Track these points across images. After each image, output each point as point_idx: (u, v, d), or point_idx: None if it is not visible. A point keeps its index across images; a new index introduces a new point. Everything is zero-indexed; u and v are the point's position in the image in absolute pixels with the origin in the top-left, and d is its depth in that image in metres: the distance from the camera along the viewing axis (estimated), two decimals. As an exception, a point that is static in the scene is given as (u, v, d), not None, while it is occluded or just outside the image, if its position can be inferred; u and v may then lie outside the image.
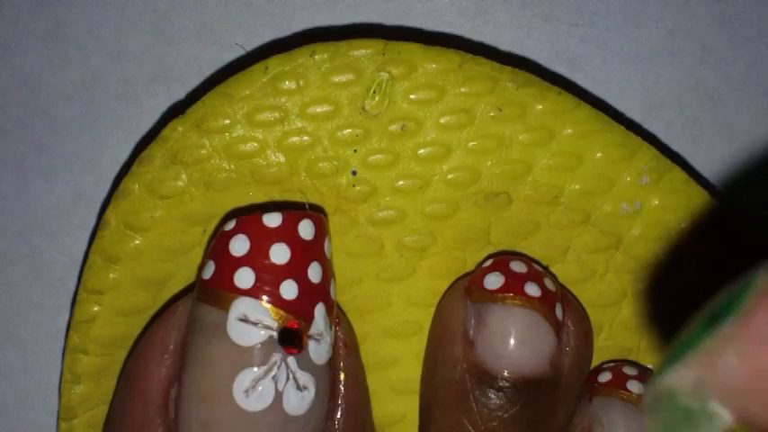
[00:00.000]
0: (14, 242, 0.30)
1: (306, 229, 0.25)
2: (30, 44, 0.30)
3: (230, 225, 0.25)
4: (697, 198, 0.28)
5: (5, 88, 0.30)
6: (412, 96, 0.27)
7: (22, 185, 0.30)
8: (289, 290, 0.25)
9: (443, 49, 0.27)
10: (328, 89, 0.27)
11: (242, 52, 0.30)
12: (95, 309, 0.27)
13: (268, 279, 0.24)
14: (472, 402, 0.26)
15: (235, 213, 0.27)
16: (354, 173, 0.27)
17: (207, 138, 0.27)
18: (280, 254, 0.25)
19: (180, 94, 0.30)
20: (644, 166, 0.27)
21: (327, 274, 0.25)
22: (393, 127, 0.27)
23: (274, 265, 0.24)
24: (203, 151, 0.27)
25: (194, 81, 0.30)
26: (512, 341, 0.26)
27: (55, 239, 0.30)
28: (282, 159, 0.27)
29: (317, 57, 0.27)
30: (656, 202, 0.28)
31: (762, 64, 0.31)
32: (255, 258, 0.25)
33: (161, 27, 0.30)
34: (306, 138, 0.27)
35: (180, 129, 0.27)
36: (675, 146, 0.31)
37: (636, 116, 0.30)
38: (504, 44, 0.30)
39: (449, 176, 0.27)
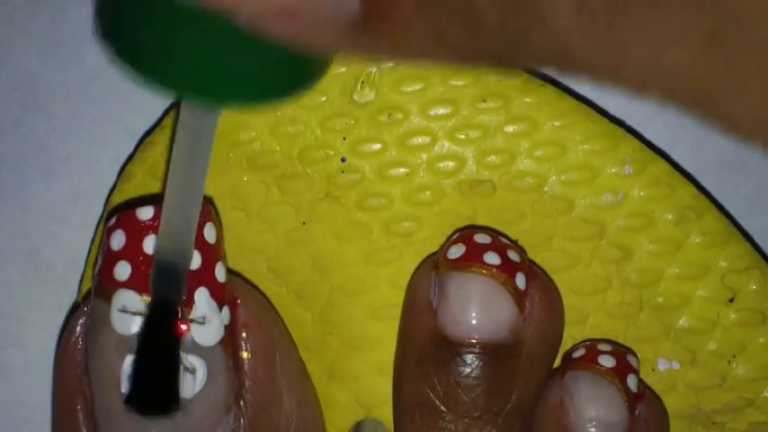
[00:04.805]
0: (14, 242, 0.31)
1: None
2: (26, 43, 0.30)
3: (111, 221, 0.26)
4: (681, 189, 0.28)
5: (3, 87, 0.30)
6: (400, 88, 0.28)
7: (22, 185, 0.30)
8: None
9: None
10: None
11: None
12: None
13: (143, 270, 0.25)
14: (431, 368, 0.27)
15: (119, 209, 0.27)
16: (344, 160, 0.28)
17: None
18: (152, 245, 0.25)
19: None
20: (627, 156, 0.28)
21: (209, 259, 0.26)
22: (381, 117, 0.28)
23: (148, 257, 0.25)
24: None
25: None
26: (469, 307, 0.26)
27: (55, 239, 0.30)
28: (276, 147, 0.28)
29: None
30: (640, 193, 0.28)
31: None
32: (131, 251, 0.25)
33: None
34: (299, 126, 0.28)
35: (179, 116, 0.28)
36: (678, 146, 0.30)
37: (640, 118, 0.30)
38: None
39: (435, 165, 0.28)
